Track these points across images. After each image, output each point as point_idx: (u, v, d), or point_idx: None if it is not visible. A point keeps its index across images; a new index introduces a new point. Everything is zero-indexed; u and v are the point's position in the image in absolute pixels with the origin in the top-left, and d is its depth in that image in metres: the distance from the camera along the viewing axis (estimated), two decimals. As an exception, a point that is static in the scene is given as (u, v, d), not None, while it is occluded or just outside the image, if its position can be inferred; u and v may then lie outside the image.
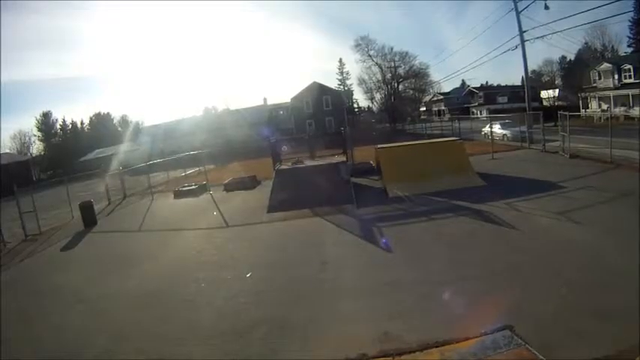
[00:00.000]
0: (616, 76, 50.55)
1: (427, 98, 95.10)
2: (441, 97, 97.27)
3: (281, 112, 72.50)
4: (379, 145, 21.01)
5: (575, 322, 6.59)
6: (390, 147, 20.72)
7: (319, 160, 20.17)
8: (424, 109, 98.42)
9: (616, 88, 49.73)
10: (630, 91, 46.71)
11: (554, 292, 7.64)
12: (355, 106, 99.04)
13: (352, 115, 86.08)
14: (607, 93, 50.81)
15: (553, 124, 27.05)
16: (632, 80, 48.06)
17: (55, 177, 51.63)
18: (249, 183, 23.86)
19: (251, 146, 50.00)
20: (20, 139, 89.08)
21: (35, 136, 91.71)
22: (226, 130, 67.21)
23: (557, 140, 22.00)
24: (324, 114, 67.96)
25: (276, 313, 8.53)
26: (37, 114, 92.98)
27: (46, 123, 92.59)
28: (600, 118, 43.25)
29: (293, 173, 19.06)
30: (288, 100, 70.92)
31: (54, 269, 13.11)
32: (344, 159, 19.73)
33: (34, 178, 53.30)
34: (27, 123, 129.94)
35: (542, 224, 11.38)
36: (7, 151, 77.68)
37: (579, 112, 45.85)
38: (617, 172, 15.37)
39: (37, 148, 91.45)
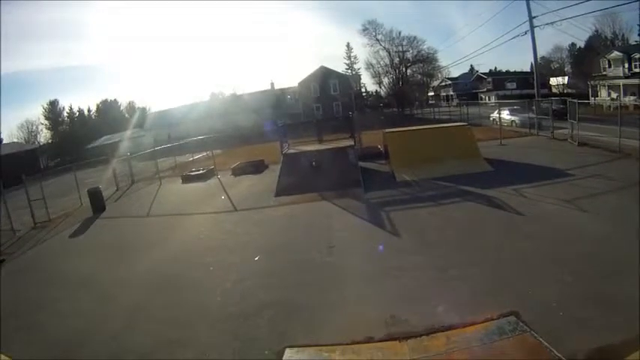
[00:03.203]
0: (626, 65, 49.58)
1: (435, 83, 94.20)
2: (449, 82, 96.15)
3: (288, 97, 72.01)
4: (387, 130, 20.87)
5: (578, 310, 6.59)
6: (398, 131, 20.57)
7: (327, 145, 20.05)
8: (432, 94, 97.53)
9: (626, 77, 48.75)
10: (640, 81, 45.88)
11: (560, 280, 7.61)
12: (363, 90, 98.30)
13: (360, 100, 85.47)
14: (617, 82, 49.84)
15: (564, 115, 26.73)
16: (642, 69, 47.26)
17: (63, 165, 51.78)
18: (257, 167, 23.89)
19: (258, 131, 49.83)
20: (27, 128, 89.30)
21: (42, 124, 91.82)
22: (233, 115, 66.93)
23: (566, 128, 21.74)
24: (331, 98, 67.53)
25: (284, 296, 8.56)
26: (44, 103, 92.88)
27: (53, 111, 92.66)
28: (610, 106, 42.50)
29: (301, 157, 18.99)
30: (296, 85, 70.47)
31: (63, 256, 13.20)
32: (352, 143, 19.60)
33: (42, 167, 53.55)
34: (34, 112, 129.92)
35: (549, 211, 11.26)
36: (15, 140, 78.19)
37: (588, 100, 45.16)
38: (625, 161, 15.14)
39: (44, 136, 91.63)
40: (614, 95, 49.89)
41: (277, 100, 70.99)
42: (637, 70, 48.04)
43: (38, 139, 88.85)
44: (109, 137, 70.69)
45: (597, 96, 52.44)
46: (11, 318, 8.91)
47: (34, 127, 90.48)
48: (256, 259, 10.68)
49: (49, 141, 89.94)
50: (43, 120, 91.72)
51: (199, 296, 9.10)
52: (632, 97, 44.99)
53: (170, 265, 11.05)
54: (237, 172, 23.43)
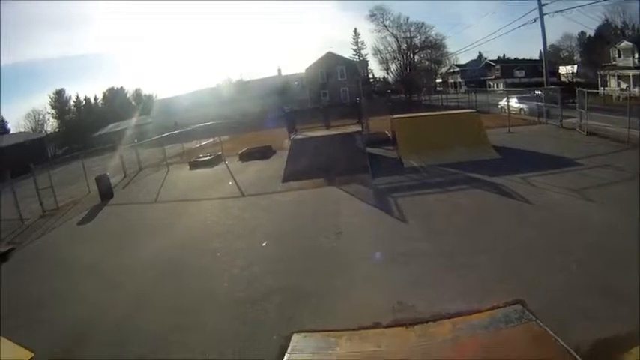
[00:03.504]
0: (636, 55, 48.68)
1: (443, 70, 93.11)
2: (457, 69, 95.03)
3: (295, 83, 71.53)
4: (395, 116, 20.71)
5: (583, 300, 6.55)
6: (406, 117, 20.43)
7: (334, 130, 19.93)
8: (440, 80, 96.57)
9: (636, 68, 47.78)
10: (651, 71, 45.03)
11: (565, 269, 7.57)
12: (370, 76, 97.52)
13: (367, 86, 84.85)
14: (626, 72, 48.98)
15: (571, 100, 26.42)
16: (653, 60, 46.36)
17: (71, 153, 52.01)
18: (264, 153, 23.84)
19: (265, 117, 49.68)
20: (34, 117, 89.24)
21: (49, 113, 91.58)
22: (240, 101, 66.71)
23: (575, 117, 21.47)
24: (338, 84, 66.92)
25: (291, 281, 8.56)
26: (51, 92, 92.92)
27: (59, 100, 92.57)
28: (619, 97, 41.82)
29: (308, 143, 18.88)
30: (303, 71, 69.93)
31: (71, 244, 13.23)
32: (359, 129, 19.51)
33: (50, 155, 53.77)
34: (40, 102, 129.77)
35: (557, 200, 11.15)
36: (22, 130, 78.45)
37: (598, 89, 44.48)
38: (633, 152, 14.81)
39: (51, 125, 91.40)
40: (623, 85, 49.08)
41: (284, 86, 70.57)
42: (647, 61, 47.14)
43: (45, 129, 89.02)
44: (116, 125, 70.74)
45: (607, 86, 51.65)
46: (20, 308, 8.97)
47: (40, 117, 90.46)
48: (264, 244, 10.68)
49: (56, 130, 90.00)
50: (49, 109, 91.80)
51: (206, 282, 9.11)
52: (642, 89, 44.23)
53: (177, 251, 11.07)
54: (245, 157, 23.40)
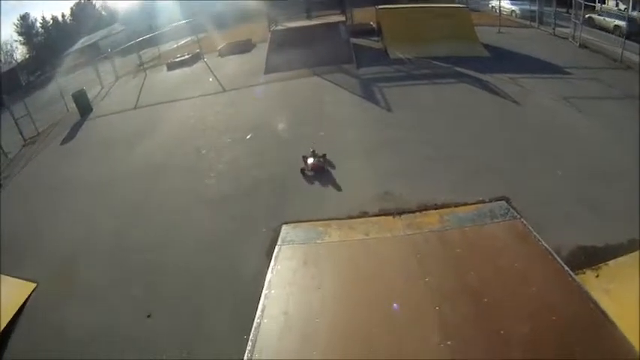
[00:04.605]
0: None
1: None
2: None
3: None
4: (380, 6, 19.31)
5: (565, 206, 6.69)
6: (392, 8, 18.92)
7: (316, 20, 18.61)
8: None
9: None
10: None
11: (551, 173, 7.56)
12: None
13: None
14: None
15: (565, 10, 24.39)
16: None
17: (44, 76, 50.07)
18: (244, 47, 22.45)
19: (245, 9, 46.84)
20: (2, 49, 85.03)
21: (17, 41, 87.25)
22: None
23: (568, 27, 19.85)
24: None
25: (278, 172, 8.43)
26: (15, 19, 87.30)
27: (25, 25, 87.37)
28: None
29: (290, 34, 17.72)
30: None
31: (56, 165, 12.85)
32: (343, 19, 18.23)
33: (24, 83, 51.67)
34: (6, 32, 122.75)
35: (545, 105, 10.73)
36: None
37: (595, 4, 40.76)
38: (627, 73, 13.78)
39: (20, 52, 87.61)
40: (622, 7, 44.91)
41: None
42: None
43: (15, 58, 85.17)
44: (87, 39, 66.58)
45: (605, 3, 47.48)
46: (18, 236, 8.86)
47: (8, 47, 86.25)
48: (248, 137, 10.38)
49: (27, 56, 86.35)
50: (16, 37, 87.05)
51: (194, 180, 8.98)
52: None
53: (162, 153, 10.82)
54: (224, 53, 22.12)
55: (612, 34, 19.75)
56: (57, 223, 8.96)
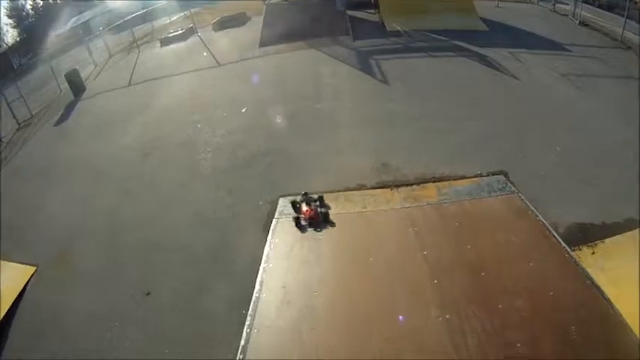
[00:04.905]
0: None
1: None
2: None
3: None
4: None
5: (563, 182, 6.65)
6: None
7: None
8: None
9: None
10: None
11: (548, 149, 7.48)
12: None
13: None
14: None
15: None
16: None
17: (36, 58, 49.36)
18: (239, 20, 22.01)
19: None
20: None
21: (7, 24, 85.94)
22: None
23: (568, 4, 19.25)
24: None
25: (274, 146, 8.32)
26: (4, 3, 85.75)
27: (15, 8, 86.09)
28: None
29: (285, 6, 17.46)
30: None
31: (51, 146, 12.66)
32: (339, -10, 17.74)
33: (15, 66, 50.92)
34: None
35: (545, 81, 10.52)
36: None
37: None
38: (627, 53, 13.40)
39: (11, 35, 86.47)
40: None
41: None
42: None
43: (6, 41, 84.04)
44: (78, 18, 65.92)
45: None
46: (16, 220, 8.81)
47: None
48: (243, 110, 10.27)
49: (17, 39, 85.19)
50: (6, 20, 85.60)
51: (190, 154, 8.93)
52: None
53: (157, 128, 10.73)
54: (218, 27, 21.70)
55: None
56: (54, 205, 8.87)
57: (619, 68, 11.58)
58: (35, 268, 7.22)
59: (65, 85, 17.85)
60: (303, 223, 6.34)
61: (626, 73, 11.17)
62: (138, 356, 5.29)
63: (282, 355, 4.59)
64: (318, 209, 6.40)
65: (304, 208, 6.50)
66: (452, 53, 12.58)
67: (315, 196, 6.70)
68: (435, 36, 14.32)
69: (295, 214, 6.46)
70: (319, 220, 6.29)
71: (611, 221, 5.77)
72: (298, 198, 6.65)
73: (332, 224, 6.26)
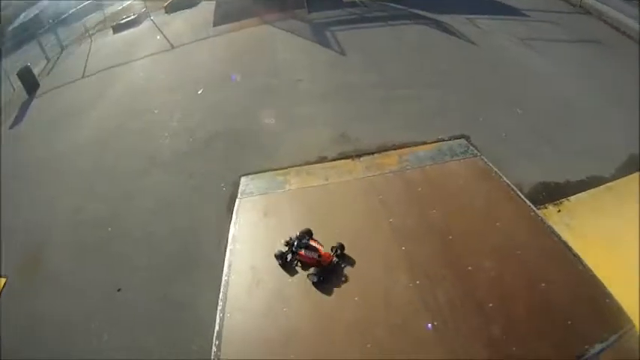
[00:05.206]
0: None
1: None
2: None
3: None
4: None
5: (526, 144, 6.81)
6: None
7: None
8: None
9: None
10: None
11: (510, 113, 7.60)
12: None
13: None
14: None
15: None
16: None
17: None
18: (192, 0, 21.45)
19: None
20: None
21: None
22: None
23: None
24: None
25: (233, 125, 8.24)
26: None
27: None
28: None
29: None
30: None
31: (8, 151, 11.99)
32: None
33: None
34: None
35: (503, 46, 10.61)
36: None
37: None
38: (585, 18, 13.43)
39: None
40: None
41: None
42: None
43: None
44: (27, 13, 63.50)
45: None
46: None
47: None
48: (199, 92, 10.12)
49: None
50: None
51: (149, 141, 8.81)
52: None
53: (114, 118, 10.53)
54: (171, 9, 21.09)
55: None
56: (18, 211, 8.66)
57: (577, 33, 11.66)
58: (5, 279, 7.07)
59: (18, 84, 17.15)
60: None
61: (583, 37, 11.27)
62: (121, 355, 5.33)
63: (258, 335, 4.49)
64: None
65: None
66: (409, 21, 12.51)
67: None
68: (391, 5, 14.20)
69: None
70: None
71: (575, 179, 5.90)
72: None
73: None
